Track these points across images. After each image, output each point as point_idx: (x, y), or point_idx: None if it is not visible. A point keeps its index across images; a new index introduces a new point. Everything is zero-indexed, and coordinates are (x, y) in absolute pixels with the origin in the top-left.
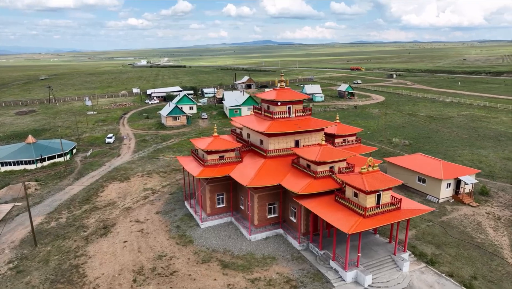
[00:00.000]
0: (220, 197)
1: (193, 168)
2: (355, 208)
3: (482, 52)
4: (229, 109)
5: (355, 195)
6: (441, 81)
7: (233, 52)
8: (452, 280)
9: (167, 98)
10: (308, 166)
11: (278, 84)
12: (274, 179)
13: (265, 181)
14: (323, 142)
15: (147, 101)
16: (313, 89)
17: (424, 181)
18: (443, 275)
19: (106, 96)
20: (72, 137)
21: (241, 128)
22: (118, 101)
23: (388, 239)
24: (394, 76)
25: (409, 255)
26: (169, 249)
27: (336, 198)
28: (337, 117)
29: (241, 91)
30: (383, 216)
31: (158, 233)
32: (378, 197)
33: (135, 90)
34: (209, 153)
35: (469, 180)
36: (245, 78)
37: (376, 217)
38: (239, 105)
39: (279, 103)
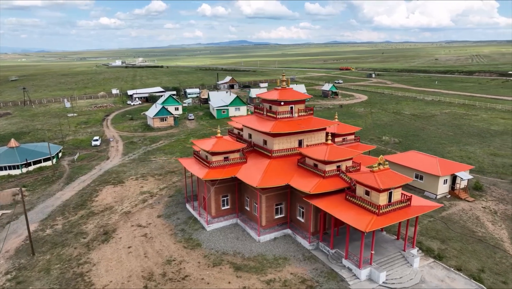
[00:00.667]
0: (225, 198)
1: (197, 170)
2: (367, 206)
3: (451, 52)
4: (217, 109)
5: (367, 193)
6: (418, 80)
7: (209, 52)
8: (461, 274)
9: (150, 99)
10: (315, 166)
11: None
12: (281, 179)
13: (273, 181)
14: (329, 142)
15: (129, 102)
16: (298, 89)
17: (421, 178)
18: (452, 269)
19: (84, 97)
20: (55, 141)
21: (240, 129)
22: (98, 103)
23: (395, 236)
24: (373, 75)
25: (417, 250)
26: (177, 253)
27: (347, 197)
28: (336, 117)
29: (226, 92)
30: (395, 214)
31: (163, 237)
32: (390, 194)
33: (114, 91)
34: (214, 154)
35: (465, 176)
36: (228, 78)
37: (388, 214)
38: (227, 106)
39: (282, 103)
